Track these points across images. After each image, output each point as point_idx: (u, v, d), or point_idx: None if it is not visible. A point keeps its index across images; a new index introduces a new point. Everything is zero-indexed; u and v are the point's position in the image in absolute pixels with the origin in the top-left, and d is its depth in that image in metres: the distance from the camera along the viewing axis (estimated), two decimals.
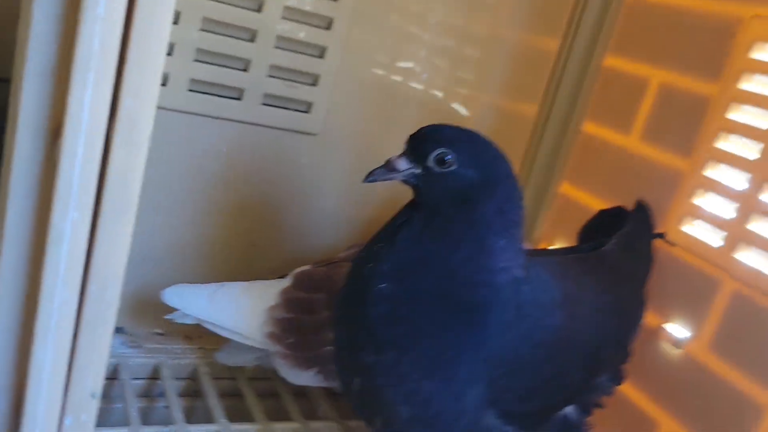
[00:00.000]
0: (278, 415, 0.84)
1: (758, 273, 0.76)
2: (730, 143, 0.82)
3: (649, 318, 0.88)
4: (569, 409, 0.70)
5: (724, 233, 0.81)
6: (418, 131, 0.62)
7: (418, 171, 0.61)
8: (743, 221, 0.79)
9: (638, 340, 0.90)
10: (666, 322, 0.86)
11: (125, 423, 0.75)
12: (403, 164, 0.61)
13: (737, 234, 0.79)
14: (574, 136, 1.06)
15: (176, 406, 0.80)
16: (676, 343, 0.84)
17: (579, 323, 0.66)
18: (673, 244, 0.87)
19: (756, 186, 0.78)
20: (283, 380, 0.88)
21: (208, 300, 0.81)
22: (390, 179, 0.62)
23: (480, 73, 1.02)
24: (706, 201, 0.84)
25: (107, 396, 0.82)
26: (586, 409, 0.72)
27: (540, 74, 1.05)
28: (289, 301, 0.80)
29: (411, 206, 0.63)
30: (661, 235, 0.88)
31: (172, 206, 0.90)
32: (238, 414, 0.83)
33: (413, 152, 0.61)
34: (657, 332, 0.86)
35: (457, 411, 0.60)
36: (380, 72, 0.96)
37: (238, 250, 0.95)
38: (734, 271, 0.79)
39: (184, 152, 0.88)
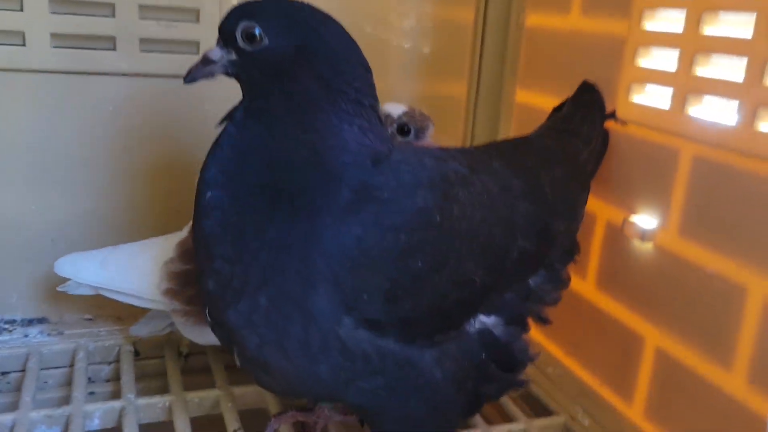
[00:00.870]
0: (198, 386, 0.75)
1: (714, 126, 0.62)
2: None
3: (612, 214, 0.75)
4: (490, 321, 0.58)
5: (671, 89, 0.66)
6: (228, 12, 0.53)
7: (232, 57, 0.52)
8: (688, 69, 0.64)
9: (604, 246, 0.78)
10: (631, 214, 0.72)
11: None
12: (216, 53, 0.53)
13: (685, 85, 0.65)
14: (517, 32, 0.93)
15: (80, 387, 0.72)
16: (644, 235, 0.70)
17: (463, 207, 0.53)
18: (624, 123, 0.73)
19: (693, 22, 0.64)
20: (214, 355, 0.80)
21: (101, 265, 0.73)
22: (210, 74, 0.54)
23: None
24: (650, 59, 0.70)
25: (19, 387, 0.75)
26: (518, 322, 0.60)
27: None
28: (186, 252, 0.71)
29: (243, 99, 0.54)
30: (612, 116, 0.74)
31: (69, 177, 0.83)
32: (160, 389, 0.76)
33: (223, 37, 0.53)
34: (623, 228, 0.72)
35: (303, 323, 0.49)
36: None
37: (159, 215, 0.87)
38: (689, 130, 0.65)
39: (66, 116, 0.81)
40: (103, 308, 0.87)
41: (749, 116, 0.58)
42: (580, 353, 0.82)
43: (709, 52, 0.63)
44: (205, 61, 0.53)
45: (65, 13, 0.77)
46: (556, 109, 0.79)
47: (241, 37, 0.51)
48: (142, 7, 0.79)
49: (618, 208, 0.75)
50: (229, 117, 0.53)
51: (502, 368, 0.58)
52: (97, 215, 0.84)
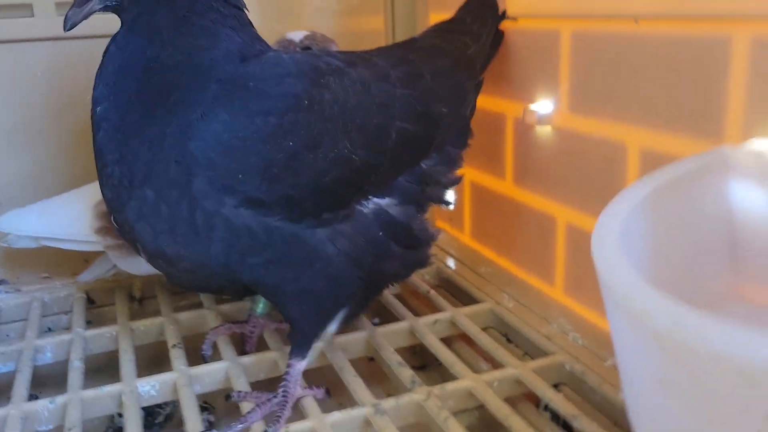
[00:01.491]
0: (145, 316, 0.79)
1: None
2: None
3: (517, 109, 0.79)
4: (385, 202, 0.61)
5: None
6: None
7: None
8: None
9: (515, 142, 0.81)
10: (530, 104, 0.76)
11: None
12: None
13: None
14: None
15: (33, 328, 0.77)
16: (540, 120, 0.74)
17: (335, 93, 0.57)
18: (515, 19, 0.77)
19: None
20: (163, 295, 0.84)
21: (38, 215, 0.78)
22: (90, 13, 0.57)
23: None
24: None
25: None
26: (414, 202, 0.63)
27: None
28: None
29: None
30: (503, 16, 0.78)
31: (9, 143, 0.87)
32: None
33: None
34: (524, 117, 0.76)
35: (189, 208, 0.53)
36: None
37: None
38: (561, 8, 0.68)
39: (3, 84, 0.85)
40: (60, 265, 0.91)
41: None
42: (508, 250, 0.86)
43: None
44: (81, 1, 0.56)
45: None
46: None
47: None
48: None
49: (520, 101, 0.79)
50: (112, 40, 0.57)
51: (403, 246, 0.62)
52: (39, 175, 0.89)
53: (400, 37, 1.00)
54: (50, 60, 0.86)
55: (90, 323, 0.85)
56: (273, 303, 0.63)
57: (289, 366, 0.61)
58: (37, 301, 0.84)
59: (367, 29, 1.02)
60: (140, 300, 0.88)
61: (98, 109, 0.56)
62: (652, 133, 0.61)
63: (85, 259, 0.88)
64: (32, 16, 0.84)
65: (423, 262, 0.65)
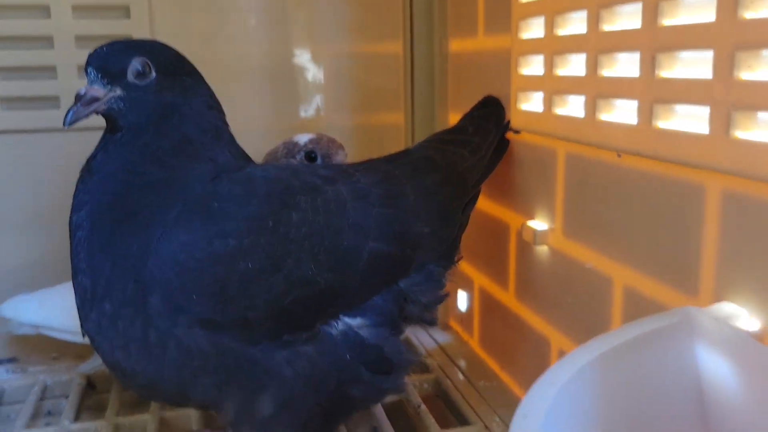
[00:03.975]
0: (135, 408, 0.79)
1: (572, 120, 0.63)
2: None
3: (518, 222, 0.76)
4: (356, 323, 0.60)
5: (542, 93, 0.68)
6: (99, 51, 0.57)
7: (118, 93, 0.57)
8: (551, 71, 0.66)
9: (518, 254, 0.79)
10: (529, 220, 0.73)
11: None
12: (99, 90, 0.56)
13: (551, 87, 0.66)
14: (442, 58, 0.96)
15: (25, 416, 0.78)
16: (536, 238, 0.71)
17: (304, 213, 0.56)
18: (518, 132, 0.75)
19: (550, 28, 0.66)
20: None
21: (39, 305, 0.80)
22: (92, 112, 0.57)
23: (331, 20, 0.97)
24: (528, 67, 0.72)
25: None
26: (388, 324, 0.61)
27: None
28: None
29: (106, 134, 0.59)
30: (507, 126, 0.76)
31: (22, 228, 0.91)
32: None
33: (106, 74, 0.57)
34: (522, 233, 0.73)
35: (143, 325, 0.53)
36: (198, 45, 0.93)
37: None
38: (556, 129, 0.66)
39: (19, 173, 0.90)
40: (68, 347, 0.93)
41: (591, 109, 0.59)
42: (510, 364, 0.82)
43: (564, 53, 0.65)
44: (89, 100, 0.56)
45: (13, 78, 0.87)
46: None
47: (132, 73, 0.56)
48: (81, 67, 0.87)
49: (521, 214, 0.76)
50: (103, 145, 0.59)
51: (374, 371, 0.60)
52: (53, 260, 0.91)
53: (420, 133, 1.00)
54: (72, 151, 0.90)
55: (88, 409, 0.86)
56: (228, 424, 0.62)
57: None
58: (39, 384, 0.86)
59: (388, 123, 1.02)
60: None
61: (74, 217, 0.57)
62: (636, 273, 0.57)
63: (82, 354, 0.90)
64: (58, 107, 0.88)
65: (397, 388, 0.63)
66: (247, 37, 0.96)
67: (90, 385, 0.88)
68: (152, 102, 0.57)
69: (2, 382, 0.87)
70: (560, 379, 0.41)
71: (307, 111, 0.99)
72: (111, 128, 0.59)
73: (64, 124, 0.57)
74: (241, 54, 0.96)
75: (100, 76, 0.57)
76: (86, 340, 0.77)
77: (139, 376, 0.56)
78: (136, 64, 0.56)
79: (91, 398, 0.87)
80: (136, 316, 0.53)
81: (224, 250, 0.53)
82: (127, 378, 0.57)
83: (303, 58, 0.98)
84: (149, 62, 0.57)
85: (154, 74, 0.57)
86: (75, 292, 0.58)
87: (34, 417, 0.81)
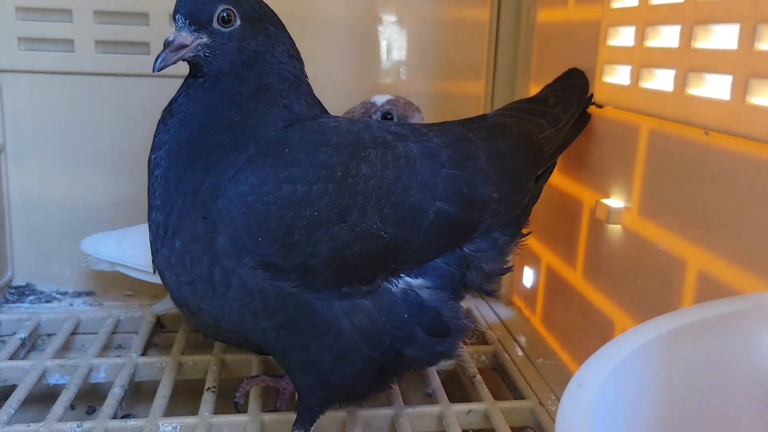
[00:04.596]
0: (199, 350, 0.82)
1: (659, 95, 0.60)
2: None
3: (592, 200, 0.74)
4: (417, 283, 0.59)
5: (630, 66, 0.66)
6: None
7: (204, 39, 0.58)
8: (641, 43, 0.63)
9: (589, 233, 0.77)
10: (604, 197, 0.71)
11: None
12: (186, 38, 0.58)
13: (639, 60, 0.64)
14: (528, 29, 0.94)
15: (97, 346, 0.82)
16: (610, 217, 0.69)
17: (374, 166, 0.56)
18: (600, 106, 0.73)
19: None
20: None
21: (117, 243, 0.83)
22: (181, 59, 0.59)
23: None
24: (617, 39, 0.69)
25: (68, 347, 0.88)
26: (449, 288, 0.61)
27: None
28: None
29: (188, 78, 0.61)
30: (590, 100, 0.74)
31: (112, 167, 0.95)
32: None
33: (193, 21, 0.58)
34: (595, 211, 0.71)
35: (209, 263, 0.54)
36: None
37: None
38: (641, 104, 0.64)
39: (109, 114, 0.93)
40: (143, 286, 0.97)
41: (680, 83, 0.57)
42: (571, 345, 0.80)
43: (657, 24, 0.62)
44: (177, 47, 0.58)
45: (108, 23, 0.90)
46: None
47: (218, 19, 0.58)
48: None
49: (595, 191, 0.74)
50: (185, 89, 0.60)
51: (430, 333, 0.60)
52: (137, 199, 0.95)
53: (499, 103, 0.98)
54: (158, 96, 0.92)
55: (155, 346, 0.90)
56: (284, 369, 0.63)
57: None
58: (112, 318, 0.90)
59: (467, 92, 1.00)
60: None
61: (153, 155, 0.59)
62: (713, 257, 0.54)
63: (156, 294, 0.94)
64: (149, 54, 0.91)
65: (449, 353, 0.62)
66: None
67: (159, 324, 0.91)
68: (236, 49, 0.58)
69: (79, 312, 0.92)
70: (621, 353, 0.40)
71: (388, 74, 0.98)
72: (194, 74, 0.60)
73: (153, 70, 0.58)
74: (327, 12, 0.96)
75: (187, 23, 0.58)
76: (158, 279, 0.81)
77: (203, 312, 0.58)
78: (221, 11, 0.57)
79: (159, 336, 0.91)
80: (204, 254, 0.55)
81: (292, 195, 0.54)
82: (193, 314, 0.59)
83: (388, 20, 0.98)
84: (234, 10, 0.58)
85: (238, 21, 0.58)
86: (149, 228, 0.60)
87: (105, 348, 0.85)
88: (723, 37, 0.53)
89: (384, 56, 0.98)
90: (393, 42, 0.98)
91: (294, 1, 0.94)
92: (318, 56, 0.89)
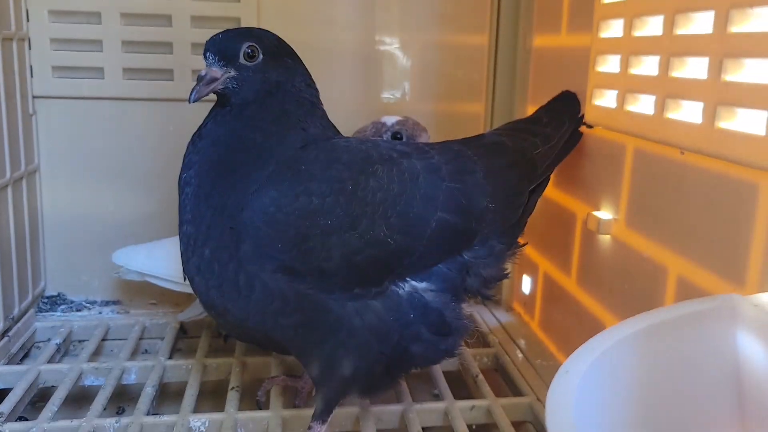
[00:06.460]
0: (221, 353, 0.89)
1: (642, 117, 0.67)
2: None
3: (583, 212, 0.81)
4: (421, 286, 0.66)
5: (616, 91, 0.72)
6: (216, 38, 0.66)
7: (232, 73, 0.65)
8: (625, 70, 0.70)
9: (582, 242, 0.83)
10: (594, 210, 0.78)
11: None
12: (218, 72, 0.65)
13: (625, 85, 0.70)
14: (525, 54, 1.00)
15: (127, 350, 0.89)
16: (600, 227, 0.75)
17: (380, 180, 0.63)
18: (591, 126, 0.79)
19: (628, 29, 0.70)
20: None
21: (146, 255, 0.90)
22: (213, 91, 0.66)
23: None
24: (605, 66, 0.76)
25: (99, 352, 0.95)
26: (451, 291, 0.67)
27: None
28: None
29: (216, 107, 0.67)
30: (582, 120, 0.81)
31: (141, 184, 1.02)
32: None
33: (222, 57, 0.65)
34: (587, 222, 0.78)
35: (235, 268, 0.61)
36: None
37: None
38: (626, 125, 0.70)
39: (138, 135, 1.01)
40: (165, 295, 1.03)
41: (660, 107, 0.63)
42: (567, 348, 0.86)
43: (639, 54, 0.68)
44: (209, 80, 0.65)
45: (135, 52, 0.97)
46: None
47: (243, 55, 0.65)
48: (194, 45, 0.97)
49: (587, 204, 0.81)
50: (213, 116, 0.67)
51: (433, 331, 0.66)
52: (161, 215, 1.02)
53: (498, 123, 1.05)
54: (182, 119, 1.00)
55: (179, 351, 0.96)
56: (302, 364, 0.70)
57: (309, 429, 0.67)
58: (139, 325, 0.96)
59: (468, 112, 1.07)
60: (225, 337, 0.98)
61: (184, 174, 0.66)
62: (689, 263, 0.61)
63: (178, 303, 1.01)
64: (172, 80, 0.98)
65: (451, 351, 0.69)
66: (342, 24, 1.03)
67: (182, 330, 0.98)
68: (260, 80, 0.65)
69: (108, 320, 0.99)
70: (603, 345, 0.46)
71: (394, 95, 1.05)
72: (222, 103, 0.67)
73: (189, 101, 0.65)
74: (336, 39, 1.03)
75: (217, 59, 0.65)
76: (185, 288, 0.87)
77: (229, 314, 0.64)
78: (246, 47, 0.65)
79: (183, 342, 0.97)
80: (230, 260, 0.61)
81: (308, 206, 0.61)
82: (220, 315, 0.66)
83: (393, 45, 1.05)
84: (257, 45, 0.65)
85: (261, 56, 0.65)
86: (180, 240, 0.66)
87: (134, 353, 0.91)
88: (695, 67, 0.60)
89: (390, 79, 1.05)
90: (398, 66, 1.05)
91: (307, 33, 1.01)
92: (329, 81, 0.96)
